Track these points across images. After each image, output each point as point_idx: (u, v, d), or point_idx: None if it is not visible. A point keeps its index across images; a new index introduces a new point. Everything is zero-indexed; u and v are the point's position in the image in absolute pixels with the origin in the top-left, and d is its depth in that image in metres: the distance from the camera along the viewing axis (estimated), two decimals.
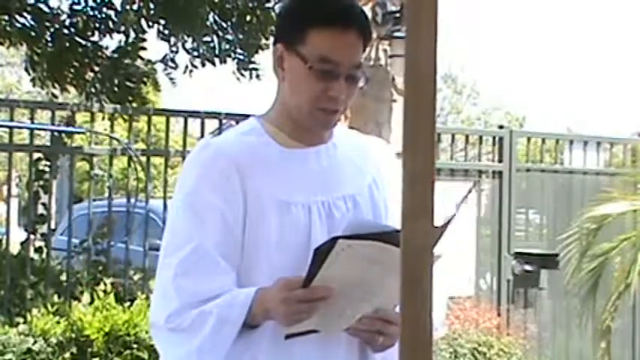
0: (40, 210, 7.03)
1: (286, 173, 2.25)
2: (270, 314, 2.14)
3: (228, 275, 2.17)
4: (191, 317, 2.15)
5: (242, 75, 8.21)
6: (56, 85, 7.96)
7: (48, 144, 7.28)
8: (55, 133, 7.17)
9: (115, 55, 7.84)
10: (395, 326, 2.19)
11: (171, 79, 8.28)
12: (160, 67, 8.29)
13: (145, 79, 8.09)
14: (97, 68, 7.73)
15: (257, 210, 2.19)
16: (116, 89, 7.82)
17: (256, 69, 8.12)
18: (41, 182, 6.97)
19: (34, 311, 6.34)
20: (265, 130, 2.29)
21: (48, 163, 7.00)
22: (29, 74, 8.13)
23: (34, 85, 8.49)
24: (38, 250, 6.93)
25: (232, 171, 2.20)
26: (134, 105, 7.89)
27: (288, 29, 2.26)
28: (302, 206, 2.22)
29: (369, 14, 6.06)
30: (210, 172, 2.21)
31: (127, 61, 7.79)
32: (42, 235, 7.00)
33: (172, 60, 8.16)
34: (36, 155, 7.01)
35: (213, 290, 2.15)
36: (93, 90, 7.83)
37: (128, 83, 7.83)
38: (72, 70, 7.78)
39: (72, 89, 8.17)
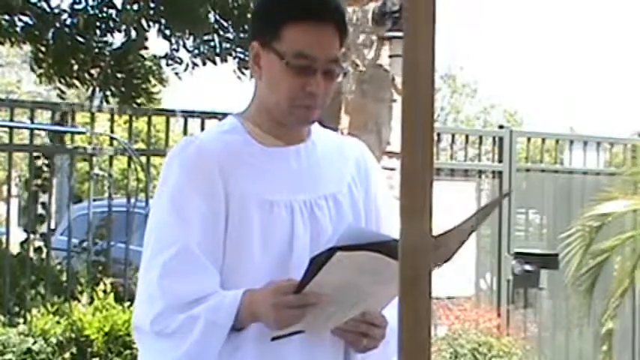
0: (40, 210, 7.03)
1: (268, 172, 2.23)
2: (259, 318, 2.12)
3: (214, 277, 2.15)
4: (177, 321, 2.11)
5: (243, 74, 8.21)
6: (62, 81, 7.96)
7: (48, 144, 7.27)
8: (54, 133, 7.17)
9: (120, 52, 7.84)
10: (380, 329, 2.19)
11: (176, 73, 8.28)
12: (163, 63, 8.30)
13: (150, 76, 8.09)
14: (102, 64, 7.73)
15: (240, 209, 2.17)
16: (122, 86, 7.83)
17: None
18: (41, 182, 6.97)
19: (34, 311, 6.34)
20: (245, 129, 2.27)
21: (47, 162, 6.99)
22: (34, 71, 8.13)
23: (40, 82, 8.49)
24: (38, 250, 6.92)
25: (215, 170, 2.18)
26: (140, 101, 7.88)
27: (262, 26, 2.23)
28: (284, 206, 2.21)
29: (369, 14, 6.05)
30: (194, 172, 2.18)
31: (131, 57, 7.79)
32: (42, 235, 6.99)
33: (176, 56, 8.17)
34: (35, 155, 7.01)
35: (198, 292, 2.12)
36: (98, 86, 7.84)
37: (133, 80, 7.83)
38: (77, 66, 7.79)
39: (77, 86, 8.18)
